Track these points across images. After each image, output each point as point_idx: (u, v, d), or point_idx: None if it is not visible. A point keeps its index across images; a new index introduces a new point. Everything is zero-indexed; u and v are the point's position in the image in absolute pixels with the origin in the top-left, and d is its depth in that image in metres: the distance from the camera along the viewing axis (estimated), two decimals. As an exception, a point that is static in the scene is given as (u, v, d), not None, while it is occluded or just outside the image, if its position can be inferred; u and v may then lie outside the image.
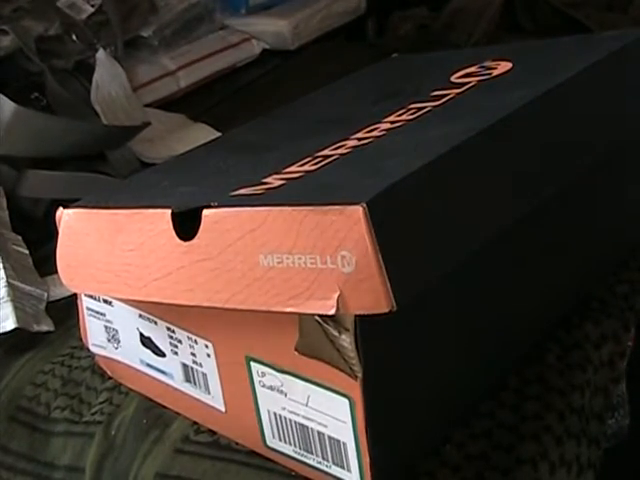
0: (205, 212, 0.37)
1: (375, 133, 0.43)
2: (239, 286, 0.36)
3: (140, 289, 0.40)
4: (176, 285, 0.39)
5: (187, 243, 0.38)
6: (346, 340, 0.35)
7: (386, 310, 0.32)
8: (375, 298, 0.32)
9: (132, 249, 0.40)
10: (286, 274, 0.34)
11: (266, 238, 0.35)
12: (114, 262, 0.41)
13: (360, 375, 0.36)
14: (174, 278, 0.39)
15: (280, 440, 0.42)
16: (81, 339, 0.51)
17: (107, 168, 0.72)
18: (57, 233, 0.45)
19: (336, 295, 0.33)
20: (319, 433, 0.39)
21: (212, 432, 0.46)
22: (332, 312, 0.33)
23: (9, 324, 0.54)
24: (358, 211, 0.32)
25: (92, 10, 0.81)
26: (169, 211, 0.38)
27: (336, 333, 0.35)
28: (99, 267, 0.42)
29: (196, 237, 0.37)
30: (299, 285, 0.34)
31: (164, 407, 0.48)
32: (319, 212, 0.33)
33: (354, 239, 0.32)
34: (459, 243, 0.37)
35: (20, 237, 0.62)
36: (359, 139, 0.43)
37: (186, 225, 0.38)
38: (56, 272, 0.45)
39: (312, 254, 0.33)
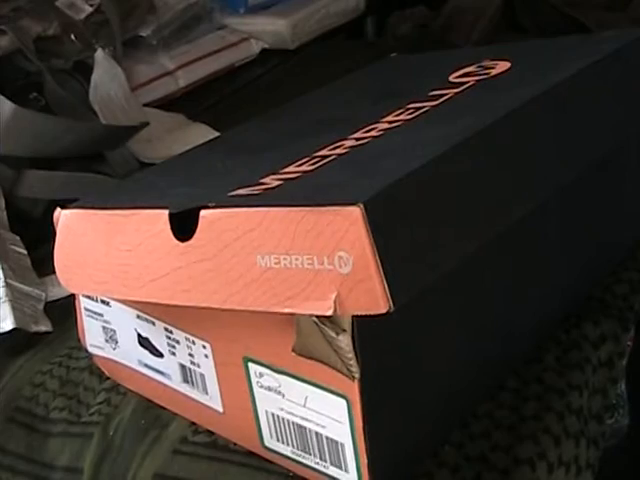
0: (202, 212, 0.37)
1: (373, 133, 0.43)
2: (236, 286, 0.36)
3: (138, 290, 0.40)
4: (174, 286, 0.39)
5: (184, 244, 0.38)
6: (343, 341, 0.35)
7: (383, 311, 0.32)
8: (372, 299, 0.32)
9: (129, 249, 0.40)
10: (283, 275, 0.34)
11: (263, 239, 0.35)
12: (111, 262, 0.41)
13: (358, 376, 0.36)
14: (171, 279, 0.39)
15: (278, 441, 0.41)
16: (79, 339, 0.51)
17: (106, 168, 0.72)
18: (55, 233, 0.45)
19: (333, 296, 0.33)
20: (317, 434, 0.39)
21: (210, 433, 0.46)
22: (329, 313, 0.33)
23: (7, 324, 0.54)
24: (356, 211, 0.32)
25: (91, 10, 0.81)
26: (166, 212, 0.38)
27: (333, 334, 0.35)
28: (97, 267, 0.42)
29: (193, 238, 0.37)
30: (296, 286, 0.34)
31: (162, 408, 0.48)
32: (316, 212, 0.33)
33: (351, 240, 0.32)
34: (457, 243, 0.37)
35: (18, 237, 0.62)
36: (357, 139, 0.43)
37: (183, 225, 0.38)
38: (54, 272, 0.45)
39: (309, 255, 0.33)
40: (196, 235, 0.37)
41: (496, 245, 0.43)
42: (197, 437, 0.46)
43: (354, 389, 0.36)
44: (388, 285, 0.32)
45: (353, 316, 0.34)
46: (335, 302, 0.33)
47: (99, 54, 0.79)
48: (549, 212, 0.46)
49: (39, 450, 0.50)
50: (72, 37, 0.80)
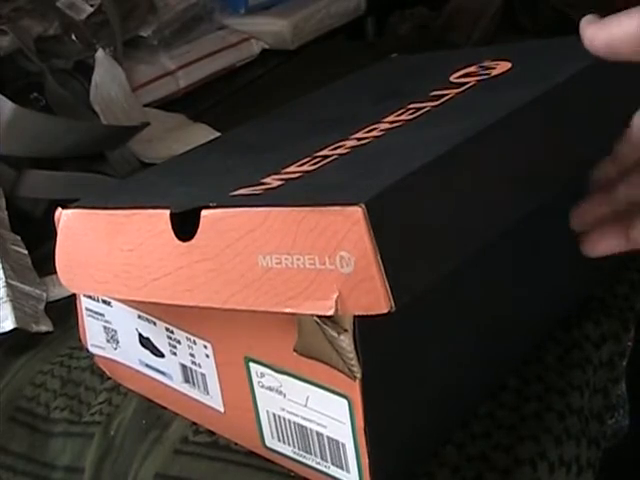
0: (204, 212, 0.37)
1: (374, 133, 0.43)
2: (238, 286, 0.36)
3: (139, 289, 0.40)
4: (175, 285, 0.39)
5: (186, 244, 0.38)
6: (345, 341, 0.35)
7: (385, 311, 0.32)
8: (374, 299, 0.32)
9: (131, 249, 0.40)
10: (285, 275, 0.34)
11: (265, 239, 0.35)
12: (113, 262, 0.41)
13: (359, 376, 0.36)
14: (173, 279, 0.39)
15: (279, 441, 0.42)
16: (80, 339, 0.51)
17: (106, 168, 0.72)
18: (56, 233, 0.45)
19: (335, 296, 0.33)
20: (318, 434, 0.39)
21: (211, 433, 0.46)
22: (331, 313, 0.33)
23: (8, 324, 0.54)
24: (357, 212, 0.32)
25: (91, 10, 0.81)
26: (167, 212, 0.38)
27: (335, 334, 0.35)
28: (98, 267, 0.42)
29: (195, 238, 0.37)
30: (298, 286, 0.34)
31: (163, 407, 0.48)
32: (318, 212, 0.33)
33: (353, 240, 0.32)
34: (458, 244, 0.37)
35: (19, 237, 0.62)
36: (358, 139, 0.43)
37: (185, 225, 0.38)
38: (55, 272, 0.45)
39: (311, 254, 0.33)
40: (197, 235, 0.37)
41: (497, 245, 0.43)
42: (198, 437, 0.46)
43: (355, 389, 0.36)
44: (390, 285, 0.32)
45: (354, 316, 0.34)
46: (337, 302, 0.33)
47: (100, 54, 0.79)
48: (549, 211, 0.46)
49: (40, 450, 0.50)
50: (73, 37, 0.80)
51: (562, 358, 0.49)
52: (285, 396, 0.40)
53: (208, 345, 0.42)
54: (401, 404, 0.39)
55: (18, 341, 0.55)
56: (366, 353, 0.35)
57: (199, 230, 0.37)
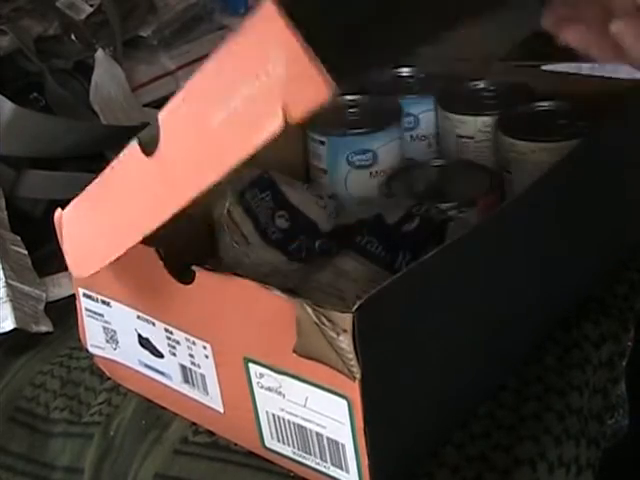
0: (160, 116, 0.36)
1: None
2: (207, 164, 0.35)
3: (130, 234, 0.39)
4: (157, 204, 0.37)
5: (155, 155, 0.37)
6: (344, 341, 0.35)
7: (329, 93, 0.30)
8: (315, 87, 0.30)
9: (117, 196, 0.40)
10: (236, 120, 0.33)
11: (208, 94, 0.34)
12: (105, 225, 0.40)
13: (358, 376, 0.36)
14: (154, 198, 0.37)
15: (278, 441, 0.41)
16: (80, 340, 0.51)
17: (106, 168, 0.72)
18: (56, 234, 0.45)
19: (280, 105, 0.31)
20: (317, 434, 0.39)
21: (211, 433, 0.46)
22: (281, 124, 0.31)
23: (8, 324, 0.54)
24: (270, 6, 0.31)
25: (91, 10, 0.81)
26: (136, 140, 0.38)
27: (334, 334, 0.35)
28: (96, 243, 0.42)
29: (160, 143, 0.36)
30: (254, 122, 0.32)
31: (163, 408, 0.48)
32: (240, 32, 0.33)
33: (274, 33, 0.31)
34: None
35: (19, 237, 0.62)
36: None
37: (152, 143, 0.37)
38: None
39: (248, 78, 0.32)
40: (161, 140, 0.36)
41: (496, 245, 0.43)
42: (198, 437, 0.46)
43: (355, 389, 0.36)
44: (325, 66, 0.30)
45: (354, 316, 0.34)
46: (284, 110, 0.31)
47: (99, 54, 0.79)
48: (549, 212, 0.46)
49: (40, 450, 0.50)
50: (72, 37, 0.80)
51: (562, 358, 0.49)
52: (284, 396, 0.40)
53: (207, 346, 0.42)
54: (400, 404, 0.39)
55: (18, 341, 0.55)
56: (365, 353, 0.35)
57: (161, 134, 0.36)
